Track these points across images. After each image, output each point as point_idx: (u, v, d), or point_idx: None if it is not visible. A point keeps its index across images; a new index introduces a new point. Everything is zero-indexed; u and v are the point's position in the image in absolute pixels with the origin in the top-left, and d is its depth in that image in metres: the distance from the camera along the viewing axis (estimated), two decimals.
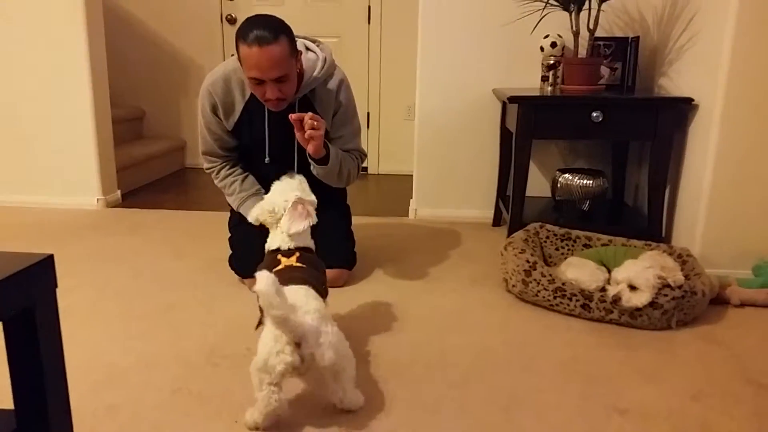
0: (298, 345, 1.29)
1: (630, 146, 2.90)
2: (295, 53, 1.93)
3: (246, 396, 1.41)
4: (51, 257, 0.86)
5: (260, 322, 1.53)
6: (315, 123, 1.88)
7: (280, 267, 1.55)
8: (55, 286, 0.87)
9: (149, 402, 1.45)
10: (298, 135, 1.92)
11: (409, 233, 2.89)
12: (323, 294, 1.52)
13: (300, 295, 1.37)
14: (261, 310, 1.52)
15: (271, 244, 1.65)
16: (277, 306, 1.23)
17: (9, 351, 0.83)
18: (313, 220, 1.66)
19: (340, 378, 1.38)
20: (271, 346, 1.29)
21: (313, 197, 1.71)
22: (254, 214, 1.69)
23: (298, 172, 2.10)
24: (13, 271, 0.78)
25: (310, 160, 2.01)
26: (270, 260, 1.61)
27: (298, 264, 1.56)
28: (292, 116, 1.89)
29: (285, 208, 1.63)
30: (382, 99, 4.29)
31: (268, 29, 1.83)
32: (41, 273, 0.84)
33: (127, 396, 1.48)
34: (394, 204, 3.42)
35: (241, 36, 1.85)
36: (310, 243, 1.69)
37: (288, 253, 1.60)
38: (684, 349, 1.76)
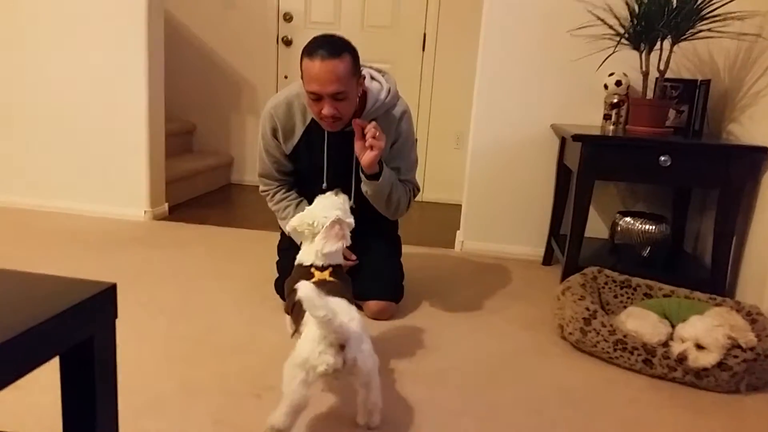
0: (341, 348, 1.28)
1: (693, 192, 2.78)
2: (358, 74, 1.91)
3: None
4: (114, 287, 0.81)
5: (295, 331, 1.52)
6: (377, 133, 1.86)
7: (314, 280, 1.56)
8: (116, 316, 0.83)
9: None
10: (357, 144, 1.90)
11: (456, 266, 2.81)
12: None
13: (343, 305, 1.39)
14: (295, 321, 1.51)
15: (305, 258, 1.66)
16: (321, 307, 1.23)
17: (63, 382, 0.79)
18: (347, 242, 1.69)
19: (372, 386, 1.39)
20: (314, 345, 1.29)
21: (351, 219, 1.72)
22: (293, 223, 1.70)
23: (354, 201, 2.07)
24: (76, 302, 0.74)
25: (361, 175, 1.97)
26: (303, 273, 1.63)
27: (332, 279, 1.59)
28: (356, 121, 1.87)
29: (323, 225, 1.64)
30: (432, 126, 4.24)
31: (333, 45, 1.83)
32: (103, 303, 0.80)
33: (168, 425, 1.43)
34: (438, 234, 3.35)
35: (306, 51, 1.85)
36: (341, 260, 1.70)
37: (321, 268, 1.63)
38: (757, 417, 1.63)
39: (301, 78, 1.89)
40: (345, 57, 1.83)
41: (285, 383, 1.31)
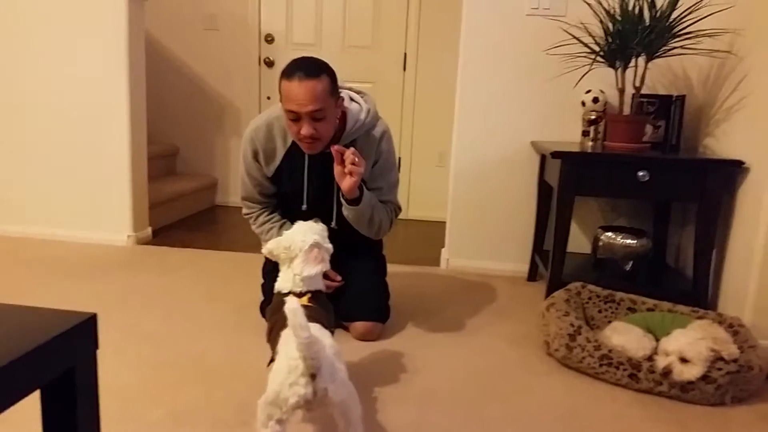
0: (312, 377, 1.25)
1: (673, 206, 2.82)
2: (336, 95, 1.92)
3: None
4: (94, 317, 0.81)
5: (272, 359, 1.50)
6: (356, 159, 1.86)
7: None
8: (97, 346, 0.82)
9: None
10: (336, 169, 1.90)
11: (442, 284, 2.82)
12: (331, 335, 1.51)
13: (315, 330, 1.34)
14: (272, 348, 1.49)
15: (282, 286, 1.64)
16: (306, 327, 1.21)
17: (45, 415, 0.78)
18: (326, 266, 1.67)
19: (349, 417, 1.35)
20: (284, 377, 1.26)
21: (329, 246, 1.70)
22: (269, 247, 1.67)
23: (336, 222, 2.07)
24: (56, 333, 0.74)
25: (342, 200, 1.97)
26: (281, 302, 1.56)
27: (310, 304, 1.56)
28: (335, 147, 1.87)
29: (301, 249, 1.62)
30: (414, 145, 4.27)
31: (311, 66, 1.86)
32: (84, 333, 0.79)
33: None
34: (423, 252, 3.36)
35: (285, 73, 1.87)
36: (321, 286, 1.67)
37: (299, 295, 1.60)
38: (743, 429, 1.65)
39: (280, 100, 1.91)
40: (323, 77, 1.85)
41: (260, 425, 1.28)
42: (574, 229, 2.95)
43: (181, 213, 4.01)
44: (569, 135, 2.86)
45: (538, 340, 2.13)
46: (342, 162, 1.87)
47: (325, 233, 1.73)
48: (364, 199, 1.97)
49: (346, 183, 1.89)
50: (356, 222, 2.04)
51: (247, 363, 1.90)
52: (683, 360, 1.77)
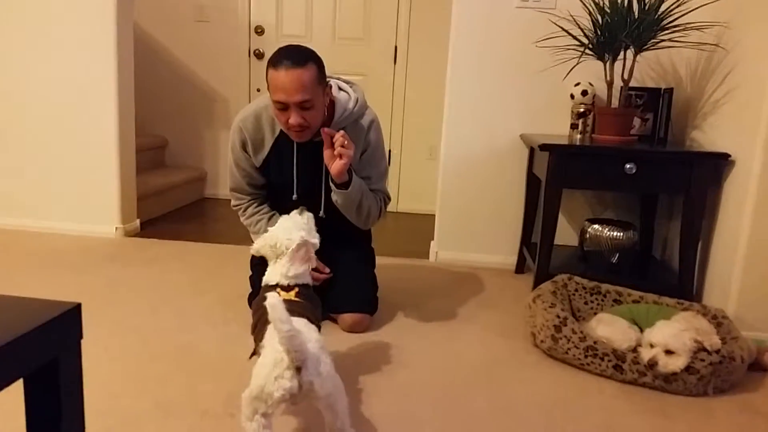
0: (298, 370, 1.25)
1: (659, 198, 2.84)
2: (323, 83, 1.92)
3: None
4: (78, 306, 0.81)
5: (254, 352, 1.50)
6: (345, 142, 1.86)
7: None
8: (81, 337, 0.82)
9: None
10: (326, 153, 1.90)
11: (431, 277, 2.83)
12: (318, 329, 1.52)
13: (301, 325, 1.36)
14: (255, 340, 1.50)
15: (270, 279, 1.64)
16: (287, 321, 1.21)
17: (28, 405, 0.78)
18: (313, 264, 1.68)
19: (336, 410, 1.36)
20: (269, 370, 1.25)
21: (316, 239, 1.69)
22: (256, 246, 1.68)
23: (325, 212, 2.08)
24: (39, 323, 0.74)
25: (331, 185, 1.97)
26: (266, 295, 1.57)
27: (297, 299, 1.57)
28: (325, 130, 1.87)
29: (287, 247, 1.61)
30: (405, 138, 4.28)
31: (297, 55, 1.85)
32: (67, 324, 0.79)
33: None
34: (413, 244, 3.37)
35: (271, 62, 1.86)
36: (308, 280, 1.67)
37: (287, 288, 1.60)
38: (724, 419, 1.67)
39: (268, 89, 1.90)
40: (310, 66, 1.85)
41: (244, 419, 1.28)
42: (562, 221, 2.97)
43: (169, 205, 3.99)
44: (558, 128, 2.87)
45: (525, 332, 2.15)
46: (332, 145, 1.88)
47: (312, 224, 1.72)
48: (353, 183, 1.96)
49: (335, 166, 1.89)
50: (345, 208, 2.03)
51: (235, 355, 1.90)
52: (668, 352, 1.79)
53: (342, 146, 1.86)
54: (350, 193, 1.97)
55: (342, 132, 1.88)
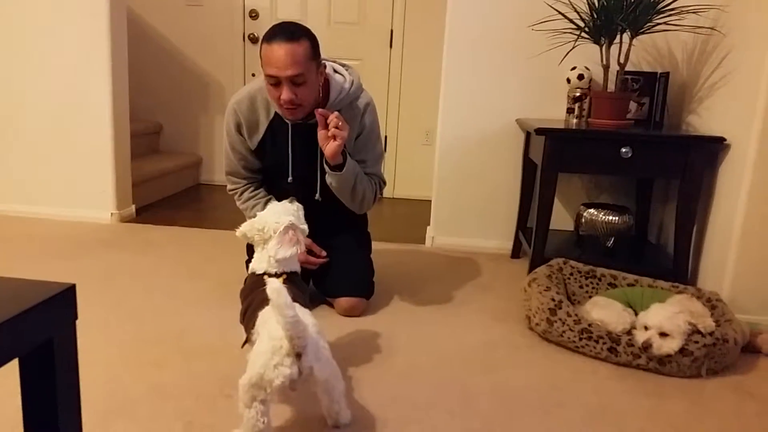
0: (298, 356, 1.25)
1: (655, 182, 2.85)
2: (317, 60, 1.91)
3: None
4: (73, 287, 0.80)
5: (246, 340, 1.50)
6: (340, 123, 1.85)
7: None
8: (76, 317, 0.82)
9: None
10: (320, 134, 1.89)
11: (427, 261, 2.83)
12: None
13: (298, 309, 1.33)
14: (246, 329, 1.49)
15: (257, 266, 1.61)
16: (291, 306, 1.21)
17: (24, 385, 0.78)
18: (302, 248, 1.63)
19: (333, 394, 1.37)
20: (268, 358, 1.24)
21: (305, 226, 1.68)
22: (243, 229, 1.65)
23: (321, 195, 2.07)
24: (34, 304, 0.73)
25: (325, 166, 1.97)
26: (256, 282, 1.56)
27: (286, 285, 1.53)
28: (319, 111, 1.86)
29: (275, 230, 1.59)
30: (401, 123, 4.26)
31: (291, 30, 1.85)
32: (62, 304, 0.79)
33: (138, 428, 1.42)
34: (409, 229, 3.37)
35: (265, 37, 1.86)
36: (296, 267, 1.65)
37: (276, 275, 1.58)
38: (717, 401, 1.68)
39: (261, 65, 1.89)
40: (303, 41, 1.84)
41: (242, 405, 1.27)
42: (558, 206, 2.97)
43: (164, 191, 3.98)
44: (554, 112, 2.87)
45: (521, 316, 2.16)
46: (326, 126, 1.87)
47: (301, 213, 1.71)
48: (347, 165, 1.96)
49: (329, 147, 1.88)
50: (339, 191, 2.03)
51: (230, 338, 1.90)
52: (662, 334, 1.80)
53: (336, 127, 1.85)
54: (344, 175, 1.96)
55: (336, 113, 1.87)
